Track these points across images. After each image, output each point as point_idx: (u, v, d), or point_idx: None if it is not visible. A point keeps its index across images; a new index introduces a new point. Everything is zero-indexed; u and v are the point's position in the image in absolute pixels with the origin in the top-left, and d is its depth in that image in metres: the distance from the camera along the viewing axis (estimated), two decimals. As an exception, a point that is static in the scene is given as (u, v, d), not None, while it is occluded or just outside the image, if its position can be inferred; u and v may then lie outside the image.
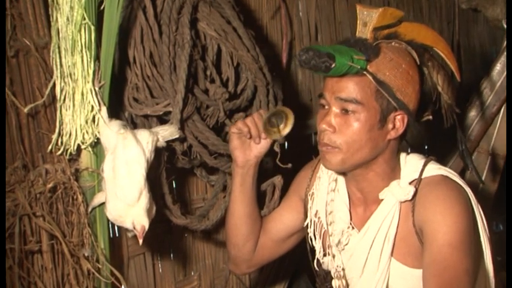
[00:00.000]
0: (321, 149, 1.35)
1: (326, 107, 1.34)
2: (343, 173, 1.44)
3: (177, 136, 1.46)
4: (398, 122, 1.33)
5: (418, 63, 1.31)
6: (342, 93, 1.29)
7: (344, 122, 1.30)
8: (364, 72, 1.28)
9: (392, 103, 1.30)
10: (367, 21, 1.32)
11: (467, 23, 2.92)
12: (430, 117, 1.39)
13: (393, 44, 1.32)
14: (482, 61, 2.94)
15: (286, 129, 1.49)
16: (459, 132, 1.42)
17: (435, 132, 2.40)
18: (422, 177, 1.36)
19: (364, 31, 1.33)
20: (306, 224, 1.53)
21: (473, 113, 2.28)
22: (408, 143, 1.50)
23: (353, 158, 1.32)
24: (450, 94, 1.35)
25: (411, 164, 1.39)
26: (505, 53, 2.21)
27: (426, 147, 2.65)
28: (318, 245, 1.51)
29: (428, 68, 1.34)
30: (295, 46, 2.07)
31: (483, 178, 2.25)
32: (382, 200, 1.37)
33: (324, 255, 1.50)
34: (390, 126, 1.33)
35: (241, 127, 1.46)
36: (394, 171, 1.39)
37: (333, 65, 1.23)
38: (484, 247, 1.35)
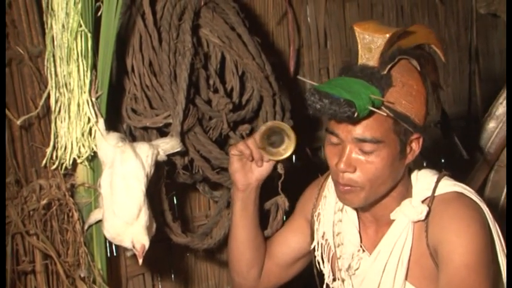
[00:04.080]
0: (340, 188, 1.29)
1: (338, 143, 1.26)
2: None
3: (179, 149, 1.43)
4: (415, 144, 1.29)
5: (421, 72, 1.26)
6: (359, 132, 1.22)
7: (365, 160, 1.24)
8: (383, 108, 1.20)
9: (409, 129, 1.24)
10: (372, 46, 1.22)
11: (486, 29, 2.87)
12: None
13: (398, 62, 1.24)
14: (502, 69, 2.87)
15: (289, 149, 1.43)
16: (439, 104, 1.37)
17: (452, 145, 2.32)
18: (436, 194, 1.31)
19: (369, 57, 1.23)
20: (312, 246, 1.47)
21: (492, 125, 2.19)
22: (423, 156, 1.43)
23: (376, 193, 1.28)
24: (434, 75, 1.32)
25: (423, 180, 1.34)
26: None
27: (443, 160, 2.58)
28: (326, 269, 1.45)
29: (423, 65, 1.28)
30: (303, 53, 2.04)
31: (503, 193, 2.17)
32: (393, 220, 1.32)
33: (334, 279, 1.44)
34: (408, 150, 1.28)
35: (242, 149, 1.41)
36: (407, 191, 1.34)
37: (356, 114, 1.14)
38: (502, 267, 1.31)
